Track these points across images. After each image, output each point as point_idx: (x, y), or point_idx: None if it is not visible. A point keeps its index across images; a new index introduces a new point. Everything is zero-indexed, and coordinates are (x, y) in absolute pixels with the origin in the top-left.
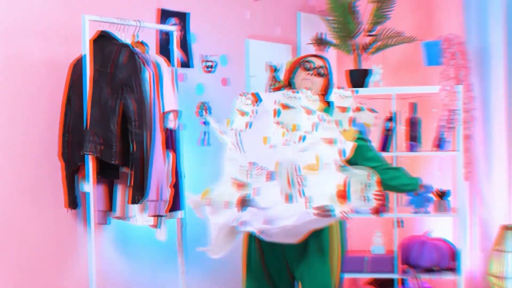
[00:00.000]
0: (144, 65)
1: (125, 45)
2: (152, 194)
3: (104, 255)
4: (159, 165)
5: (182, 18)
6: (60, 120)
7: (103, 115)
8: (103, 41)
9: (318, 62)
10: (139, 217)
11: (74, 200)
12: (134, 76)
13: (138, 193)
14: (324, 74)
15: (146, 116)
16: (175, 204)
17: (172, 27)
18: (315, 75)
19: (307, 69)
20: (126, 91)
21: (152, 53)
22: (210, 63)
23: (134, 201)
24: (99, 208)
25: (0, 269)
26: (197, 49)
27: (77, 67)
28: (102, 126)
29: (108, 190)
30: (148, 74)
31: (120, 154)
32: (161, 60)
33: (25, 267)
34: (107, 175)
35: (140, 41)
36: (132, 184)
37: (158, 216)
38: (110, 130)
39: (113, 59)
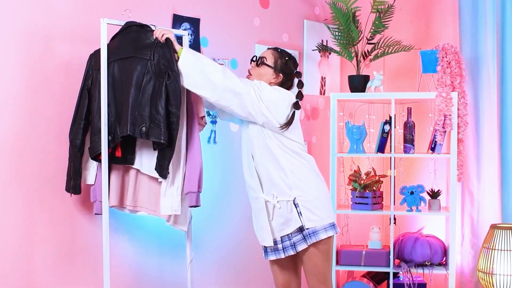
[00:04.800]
0: None
1: None
2: (194, 185)
3: (116, 244)
4: (199, 158)
5: (194, 23)
6: (76, 108)
7: (148, 98)
8: (136, 31)
9: (261, 54)
10: (163, 208)
11: (77, 186)
12: (176, 62)
13: (168, 169)
14: (263, 63)
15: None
16: None
17: (184, 32)
18: (253, 66)
19: (250, 64)
20: (172, 75)
21: None
22: None
23: (164, 176)
24: (99, 199)
25: (23, 253)
26: (209, 53)
27: (98, 57)
28: (146, 108)
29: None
30: None
31: (166, 133)
32: None
33: (45, 251)
34: (124, 161)
35: None
36: (165, 159)
37: (196, 206)
38: (158, 111)
39: (154, 47)
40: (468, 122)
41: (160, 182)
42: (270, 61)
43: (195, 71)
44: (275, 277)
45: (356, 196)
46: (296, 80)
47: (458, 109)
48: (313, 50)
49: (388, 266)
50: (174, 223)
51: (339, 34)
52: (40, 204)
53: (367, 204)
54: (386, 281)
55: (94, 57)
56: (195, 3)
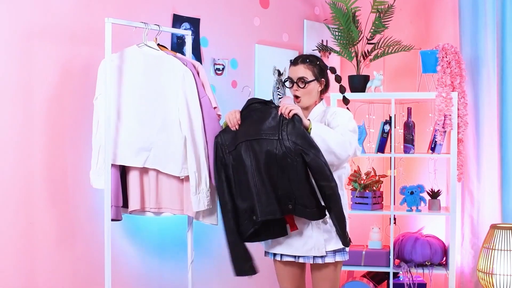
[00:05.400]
0: (185, 65)
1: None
2: None
3: (117, 244)
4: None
5: (194, 23)
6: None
7: (284, 177)
8: (259, 109)
9: (295, 74)
10: (195, 205)
11: (251, 267)
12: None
13: (348, 236)
14: (306, 82)
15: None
16: None
17: (187, 32)
18: (298, 89)
19: (290, 88)
20: (312, 152)
21: (178, 53)
22: (220, 66)
23: (347, 244)
24: (114, 204)
25: (24, 254)
26: (209, 53)
27: (225, 139)
28: (284, 187)
29: (122, 185)
30: (193, 74)
31: (317, 213)
32: (191, 59)
33: (45, 251)
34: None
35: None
36: (342, 230)
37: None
38: (299, 188)
39: (281, 125)
40: (468, 122)
41: (182, 180)
42: (310, 76)
43: (322, 149)
44: (282, 282)
45: (356, 196)
46: (330, 75)
47: (458, 109)
48: (313, 50)
49: (388, 266)
50: (204, 218)
51: (339, 34)
52: (41, 205)
53: (367, 204)
54: (386, 281)
55: (220, 139)
56: (195, 3)
